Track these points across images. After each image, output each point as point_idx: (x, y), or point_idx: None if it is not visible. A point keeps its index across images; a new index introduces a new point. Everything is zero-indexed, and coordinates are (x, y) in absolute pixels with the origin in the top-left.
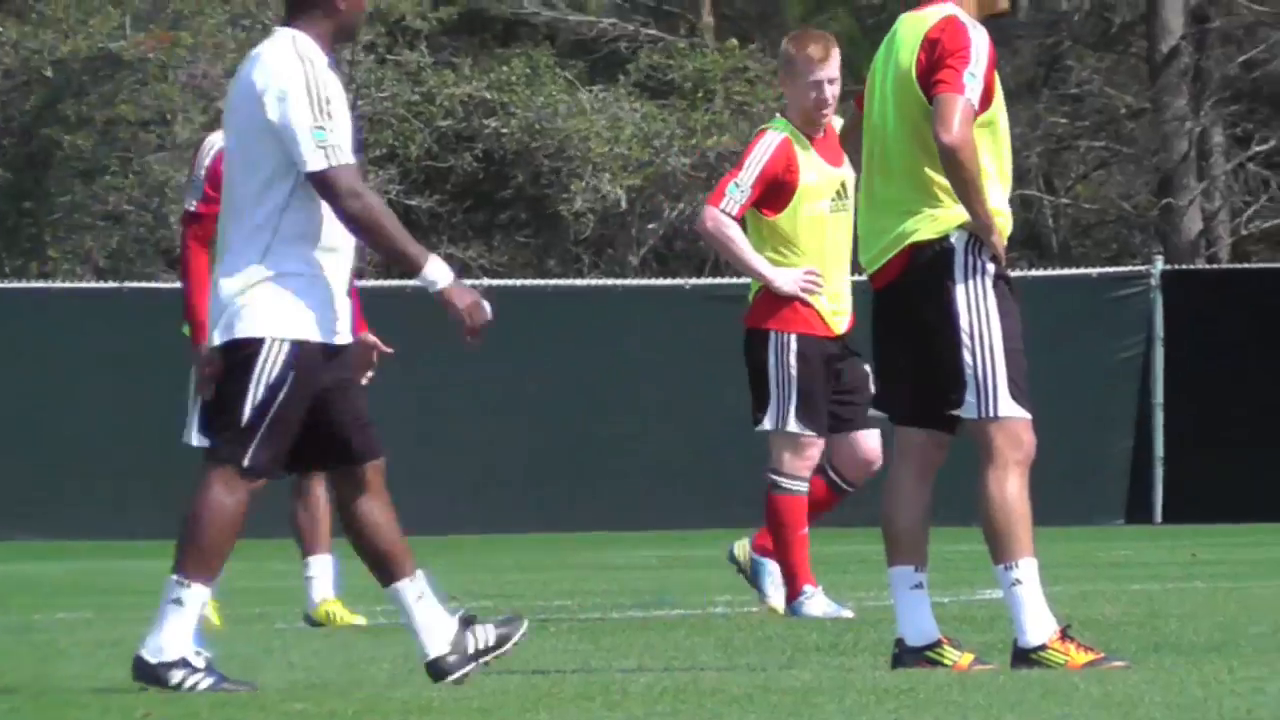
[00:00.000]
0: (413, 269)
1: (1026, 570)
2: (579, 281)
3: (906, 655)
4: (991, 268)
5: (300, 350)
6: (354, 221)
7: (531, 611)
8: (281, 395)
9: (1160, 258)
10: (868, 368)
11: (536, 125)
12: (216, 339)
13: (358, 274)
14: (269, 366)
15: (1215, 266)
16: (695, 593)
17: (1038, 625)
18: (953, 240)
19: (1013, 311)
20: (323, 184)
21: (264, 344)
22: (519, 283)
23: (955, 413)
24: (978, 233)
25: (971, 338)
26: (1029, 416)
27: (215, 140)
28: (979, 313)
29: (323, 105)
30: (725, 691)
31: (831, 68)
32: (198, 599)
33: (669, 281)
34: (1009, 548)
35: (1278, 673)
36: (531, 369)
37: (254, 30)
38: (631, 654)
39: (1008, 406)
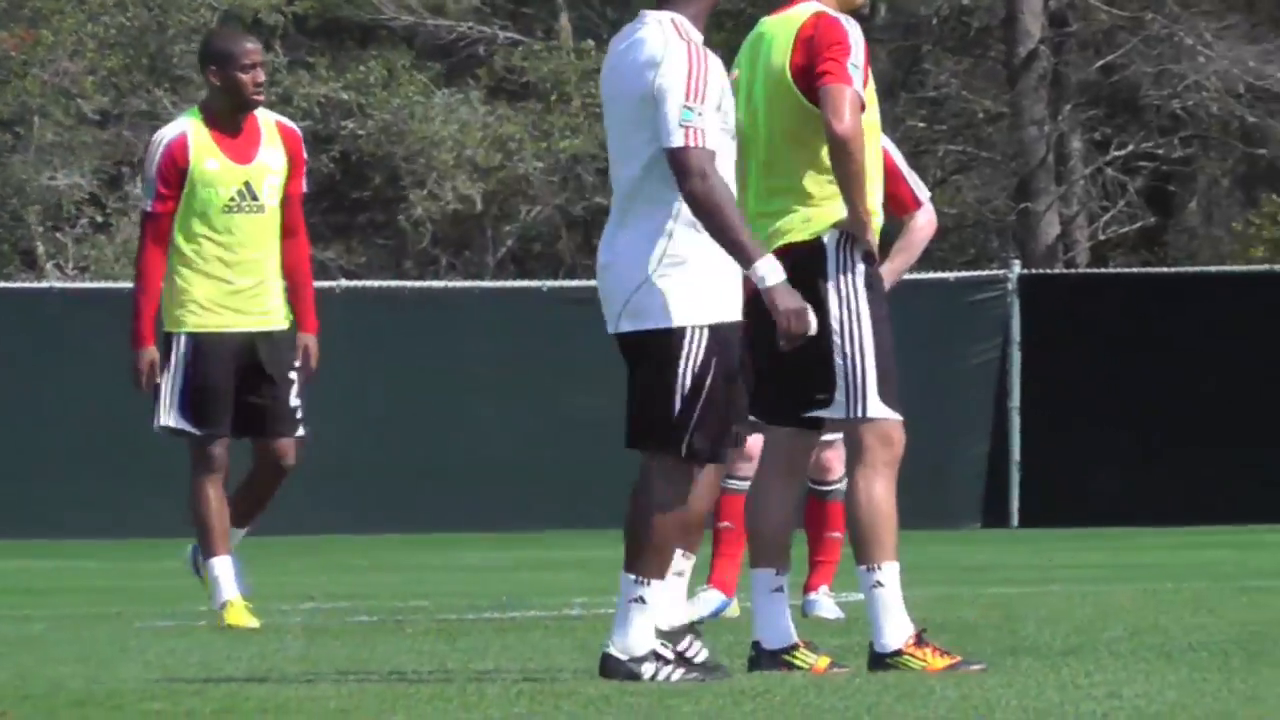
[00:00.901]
0: (744, 262)
1: (888, 573)
2: (435, 283)
3: (763, 658)
4: (863, 267)
5: (717, 333)
6: (696, 202)
7: (388, 613)
8: (709, 381)
9: (1018, 262)
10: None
11: (394, 127)
12: (623, 327)
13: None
14: (692, 354)
15: (1073, 271)
16: (552, 594)
17: (895, 629)
18: (825, 240)
19: (884, 312)
20: (676, 160)
21: (684, 333)
22: (376, 284)
23: (824, 413)
24: (853, 229)
25: (842, 337)
26: (899, 418)
27: (164, 135)
28: (851, 312)
29: (698, 88)
30: (582, 693)
31: None
32: (658, 594)
33: (526, 283)
34: (872, 550)
35: (1134, 677)
36: (388, 370)
37: (110, 30)
38: (488, 655)
39: (877, 407)
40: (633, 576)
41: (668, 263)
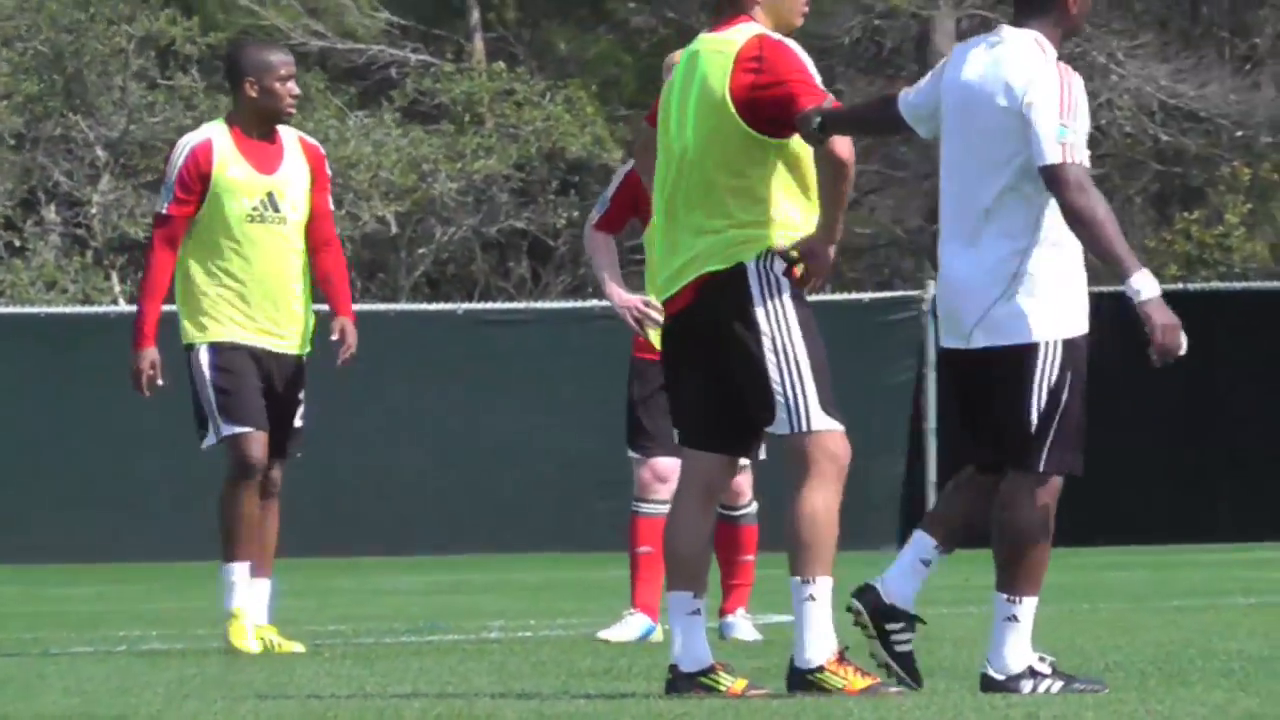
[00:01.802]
0: (1123, 274)
1: (822, 588)
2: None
3: (680, 681)
4: (787, 283)
5: (1071, 347)
6: (1077, 216)
7: (306, 637)
8: (1064, 395)
9: (932, 283)
10: None
11: None
12: (977, 342)
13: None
14: (1048, 369)
15: None
16: (469, 618)
17: (819, 645)
18: (747, 265)
19: (813, 326)
20: (1054, 178)
21: (1041, 348)
22: None
23: (770, 429)
24: (820, 244)
25: (777, 354)
26: (842, 428)
27: (190, 140)
28: (781, 329)
29: (1070, 105)
30: (499, 717)
31: None
32: (1029, 610)
33: (440, 306)
34: (809, 563)
35: (1051, 699)
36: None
37: (24, 55)
38: (406, 679)
39: (820, 419)
40: (1004, 595)
41: (1024, 279)
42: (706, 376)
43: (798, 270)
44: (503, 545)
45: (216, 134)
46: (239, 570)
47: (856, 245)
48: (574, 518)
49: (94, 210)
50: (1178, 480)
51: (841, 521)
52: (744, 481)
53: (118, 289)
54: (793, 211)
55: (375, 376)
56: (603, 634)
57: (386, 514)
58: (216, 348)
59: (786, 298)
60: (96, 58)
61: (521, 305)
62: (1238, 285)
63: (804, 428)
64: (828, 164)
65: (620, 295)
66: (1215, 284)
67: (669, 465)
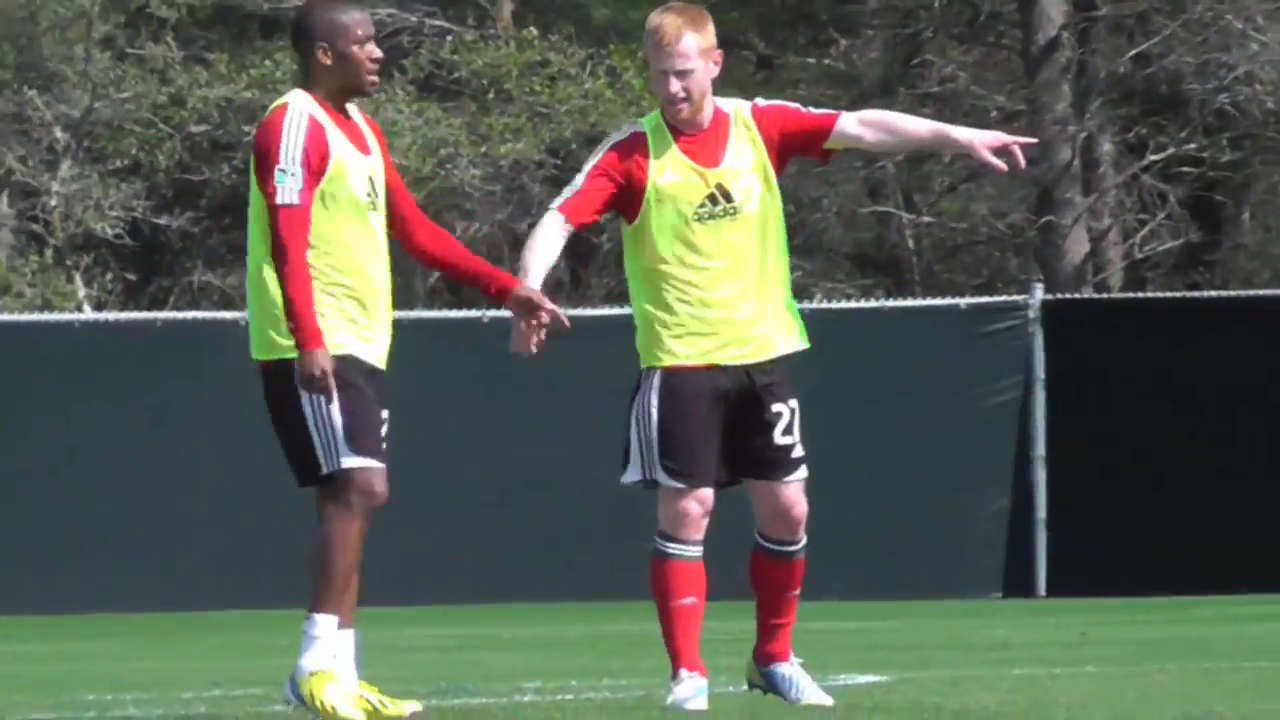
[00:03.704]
0: None
1: None
2: None
3: None
4: None
5: None
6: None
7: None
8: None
9: (1040, 286)
10: (778, 407)
11: None
12: None
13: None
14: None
15: (1105, 296)
16: (499, 678)
17: None
18: None
19: None
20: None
21: None
22: None
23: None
24: None
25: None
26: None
27: (298, 112)
28: None
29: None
30: None
31: (681, 54)
32: None
33: (463, 313)
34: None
35: None
36: None
37: None
38: None
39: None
40: None
41: None
42: None
43: None
44: (539, 594)
45: (314, 109)
46: (332, 623)
47: (950, 243)
48: (622, 561)
49: (53, 202)
50: None
51: (935, 567)
52: (804, 513)
53: (82, 293)
54: None
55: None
56: (678, 701)
57: (400, 556)
58: (338, 363)
59: None
60: (55, 22)
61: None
62: None
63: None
64: None
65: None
66: None
67: (710, 497)
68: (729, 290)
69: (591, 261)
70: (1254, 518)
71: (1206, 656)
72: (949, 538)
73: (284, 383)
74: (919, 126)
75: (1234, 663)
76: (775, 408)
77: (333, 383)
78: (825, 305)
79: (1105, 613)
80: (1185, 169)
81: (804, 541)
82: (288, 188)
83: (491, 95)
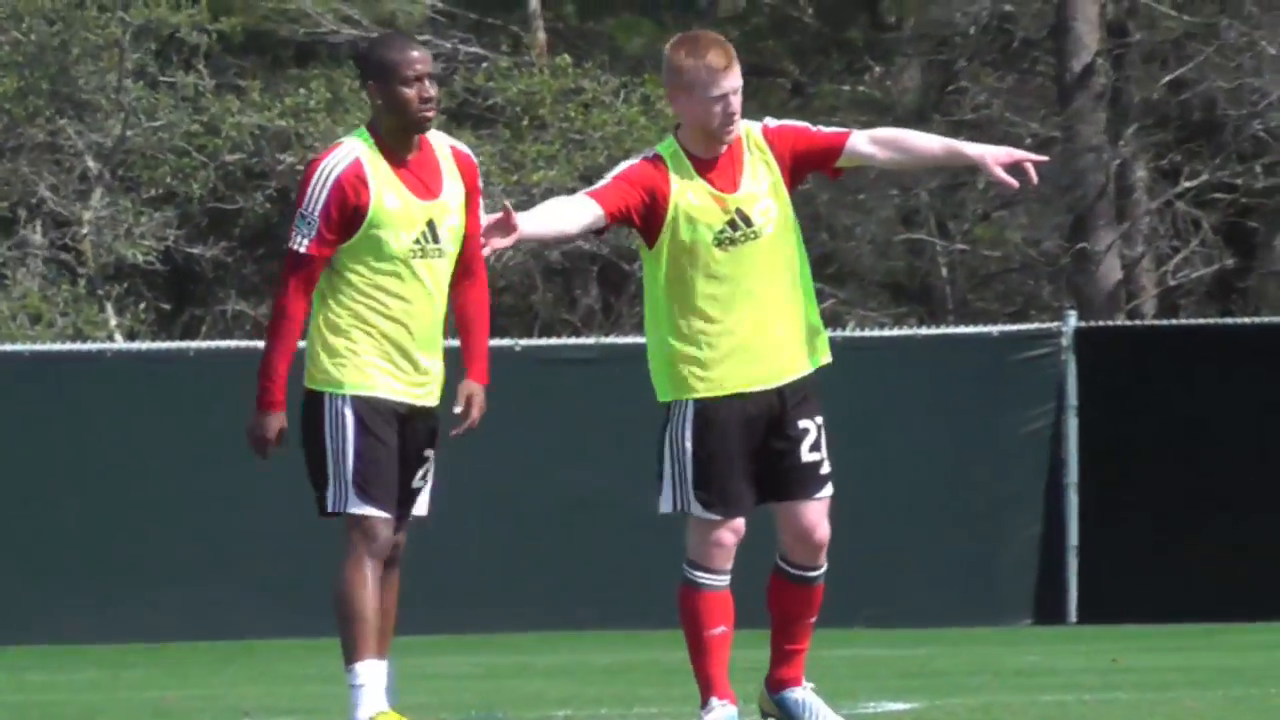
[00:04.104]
0: None
1: None
2: None
3: None
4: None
5: None
6: None
7: None
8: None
9: (1073, 313)
10: (804, 423)
11: None
12: None
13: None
14: None
15: (1138, 323)
16: (530, 705)
17: None
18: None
19: None
20: None
21: None
22: None
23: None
24: None
25: None
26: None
27: (334, 164)
28: None
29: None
30: None
31: (738, 73)
32: None
33: (496, 342)
34: None
35: None
36: None
37: (2, 48)
38: None
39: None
40: None
41: None
42: None
43: None
44: (571, 621)
45: (364, 153)
46: (371, 670)
47: (984, 270)
48: (654, 588)
49: (85, 230)
50: None
51: (968, 594)
52: (826, 538)
53: (114, 323)
54: None
55: None
56: None
57: (431, 584)
58: (363, 405)
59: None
60: (87, 49)
61: (590, 341)
62: None
63: None
64: None
65: None
66: None
67: (742, 526)
68: (754, 315)
69: (624, 290)
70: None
71: (1237, 683)
72: (981, 564)
73: (310, 413)
74: (931, 143)
75: (1263, 690)
76: (802, 424)
77: (269, 451)
78: (858, 333)
79: (1136, 639)
80: (1219, 195)
81: (825, 567)
82: (301, 235)
83: (525, 122)
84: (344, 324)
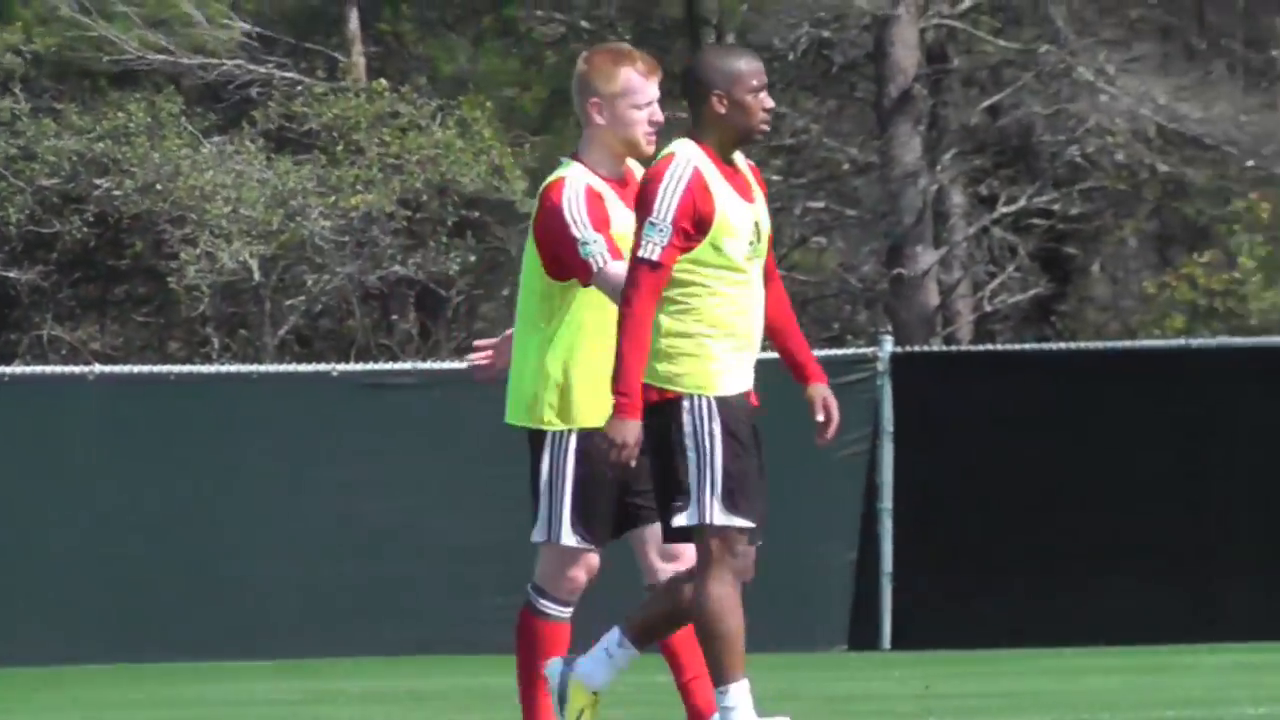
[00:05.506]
0: None
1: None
2: (205, 368)
3: None
4: None
5: None
6: None
7: None
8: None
9: (889, 338)
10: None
11: (156, 185)
12: None
13: None
14: None
15: (954, 348)
16: None
17: None
18: None
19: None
20: None
21: None
22: (136, 369)
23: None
24: None
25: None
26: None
27: (682, 172)
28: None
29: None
30: None
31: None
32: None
33: (312, 367)
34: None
35: None
36: (151, 468)
37: None
38: None
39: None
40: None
41: None
42: None
43: None
44: (383, 647)
45: (701, 160)
46: (743, 691)
47: (801, 295)
48: (467, 615)
49: None
50: (1169, 567)
51: (782, 618)
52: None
53: None
54: None
55: (234, 450)
56: None
57: (249, 611)
58: (726, 409)
59: None
60: None
61: (408, 366)
62: (1253, 341)
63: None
64: None
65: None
66: (1226, 339)
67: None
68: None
69: (439, 315)
70: (1097, 569)
71: (1048, 710)
72: (796, 590)
73: (659, 422)
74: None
75: (1075, 715)
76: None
77: (634, 458)
78: None
79: (949, 665)
80: (1036, 221)
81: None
82: (653, 243)
83: (341, 147)
84: (700, 329)
